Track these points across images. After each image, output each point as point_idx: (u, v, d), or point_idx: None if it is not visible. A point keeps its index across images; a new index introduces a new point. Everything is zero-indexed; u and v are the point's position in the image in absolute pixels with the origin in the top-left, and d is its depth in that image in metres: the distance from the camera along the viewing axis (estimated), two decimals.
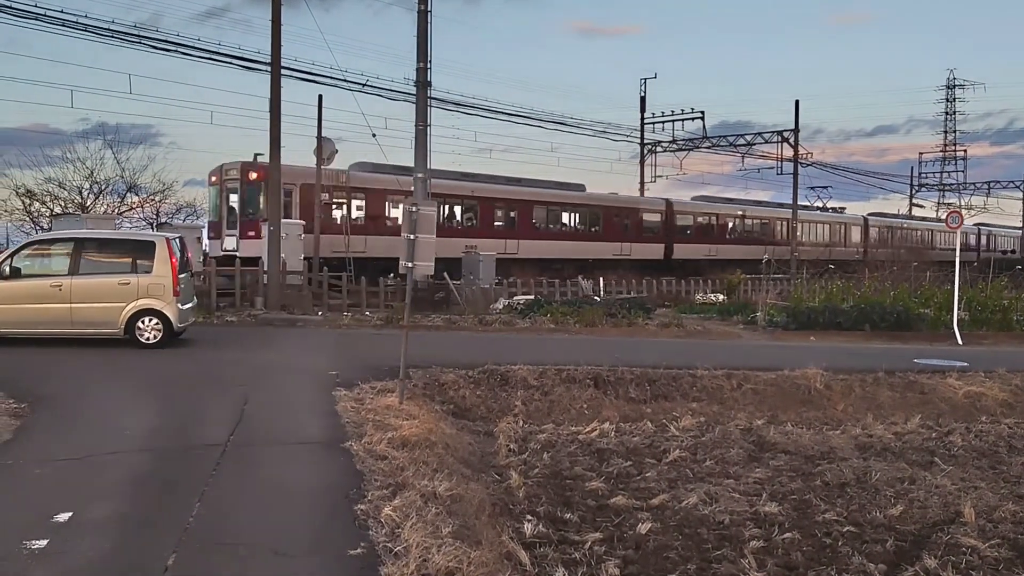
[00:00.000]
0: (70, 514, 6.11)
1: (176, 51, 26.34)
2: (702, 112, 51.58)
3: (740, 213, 48.52)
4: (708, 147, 52.66)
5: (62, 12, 24.31)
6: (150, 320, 14.63)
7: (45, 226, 32.77)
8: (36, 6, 23.92)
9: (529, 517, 7.78)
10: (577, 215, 39.55)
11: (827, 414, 13.61)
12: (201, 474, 7.30)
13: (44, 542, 5.57)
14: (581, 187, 40.71)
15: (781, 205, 51.33)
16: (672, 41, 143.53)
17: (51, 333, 14.42)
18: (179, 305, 14.83)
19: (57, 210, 33.43)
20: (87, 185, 35.44)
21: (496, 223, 35.48)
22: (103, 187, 35.70)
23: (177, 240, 15.66)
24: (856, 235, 56.77)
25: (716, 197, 50.31)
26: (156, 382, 11.68)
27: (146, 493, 6.82)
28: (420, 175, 26.30)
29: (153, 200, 35.78)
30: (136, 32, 26.03)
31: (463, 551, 5.66)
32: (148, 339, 14.60)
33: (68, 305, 14.33)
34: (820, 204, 56.69)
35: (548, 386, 13.30)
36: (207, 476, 7.26)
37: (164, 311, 14.63)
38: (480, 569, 5.53)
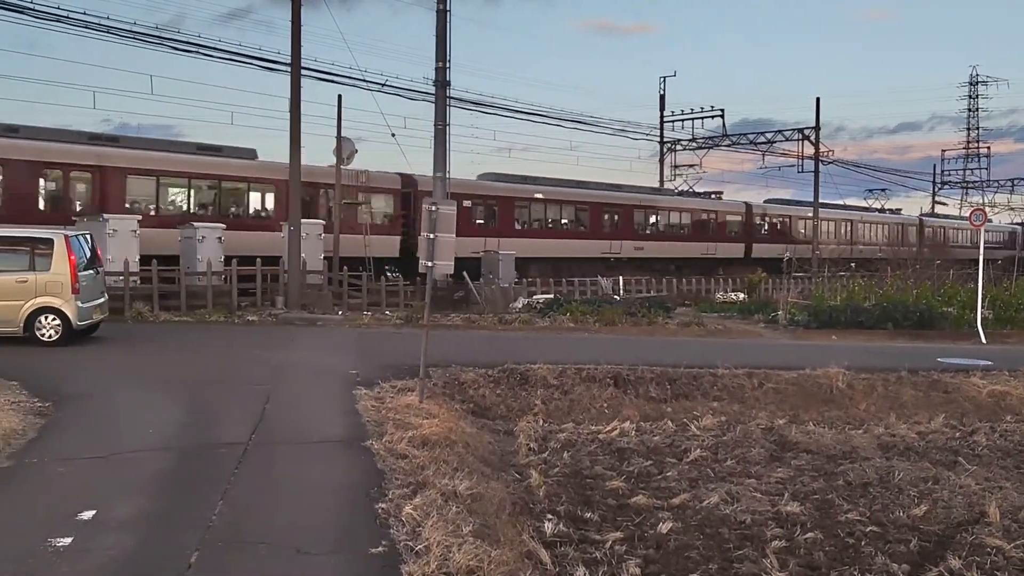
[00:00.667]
0: (94, 512, 6.15)
1: (197, 52, 26.50)
2: (722, 110, 51.42)
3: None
4: (728, 145, 52.42)
5: (84, 14, 24.51)
6: (48, 318, 14.41)
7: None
8: (59, 8, 24.14)
9: (549, 516, 7.77)
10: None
11: (849, 413, 13.51)
12: (223, 472, 7.34)
13: (69, 540, 5.61)
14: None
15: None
16: (691, 39, 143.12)
17: None
18: (79, 303, 14.58)
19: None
20: None
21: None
22: None
23: (81, 237, 15.48)
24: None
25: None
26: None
27: (169, 491, 6.87)
28: (440, 175, 26.36)
29: None
30: (157, 33, 26.21)
31: (484, 550, 5.67)
32: (47, 337, 14.38)
33: None
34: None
35: (568, 385, 13.28)
36: (229, 474, 7.30)
37: (63, 309, 14.39)
38: (501, 568, 5.53)
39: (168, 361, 13.49)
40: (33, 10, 23.68)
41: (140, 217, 22.75)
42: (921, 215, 63.77)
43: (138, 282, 20.97)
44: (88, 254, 15.56)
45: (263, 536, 5.86)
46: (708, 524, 7.84)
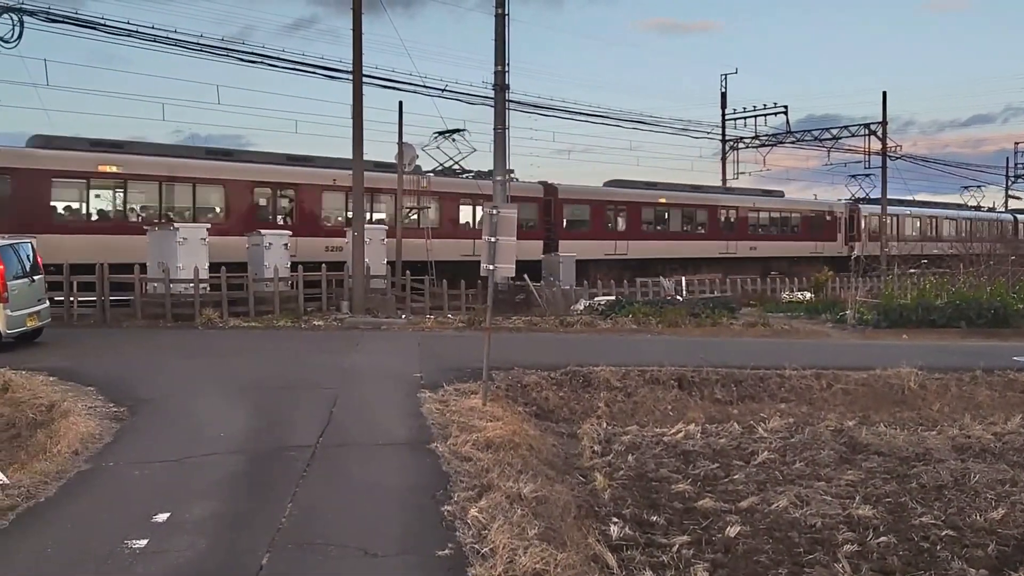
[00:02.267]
0: (168, 514, 6.31)
1: (262, 62, 26.98)
2: (785, 106, 50.50)
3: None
4: (792, 142, 51.48)
5: (153, 28, 25.13)
6: None
7: None
8: (128, 23, 24.80)
9: (615, 519, 7.74)
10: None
11: (922, 414, 13.19)
12: (292, 475, 7.47)
13: (144, 541, 5.76)
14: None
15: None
16: (755, 35, 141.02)
17: None
18: (9, 311, 14.66)
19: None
20: None
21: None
22: None
23: (15, 247, 15.59)
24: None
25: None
26: None
27: (240, 493, 7.01)
28: (499, 178, 26.42)
29: None
30: (223, 45, 26.75)
31: (549, 553, 5.66)
32: None
33: None
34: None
35: (631, 387, 13.21)
36: (298, 477, 7.42)
37: None
38: (567, 571, 5.53)
39: (237, 366, 13.75)
40: (105, 26, 24.40)
41: (208, 225, 23.25)
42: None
43: (207, 289, 21.41)
44: (26, 263, 15.68)
45: (332, 538, 5.94)
46: (777, 528, 7.73)
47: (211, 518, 6.32)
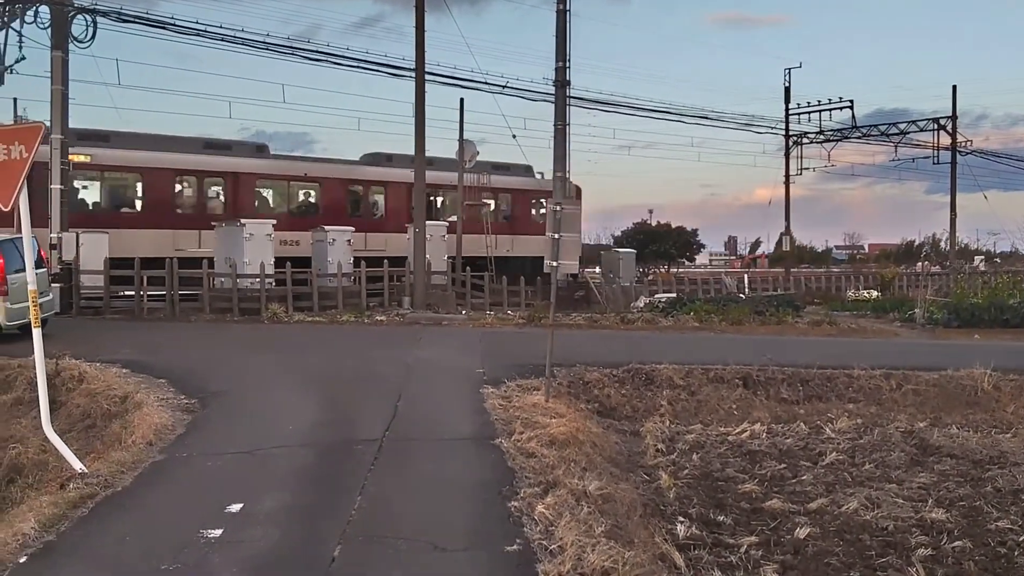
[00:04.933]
0: (241, 505, 6.42)
1: (326, 60, 27.32)
2: (851, 101, 49.34)
3: None
4: (858, 137, 50.31)
5: (220, 27, 25.58)
6: None
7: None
8: (197, 22, 25.28)
9: (681, 519, 7.68)
10: None
11: (996, 416, 12.84)
12: (360, 468, 7.54)
13: (219, 531, 5.87)
14: None
15: None
16: (822, 28, 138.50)
17: None
18: (9, 304, 15.12)
19: None
20: None
21: None
22: None
23: (17, 242, 15.55)
24: None
25: None
26: None
27: (310, 486, 7.11)
28: (560, 174, 26.39)
29: None
30: (290, 44, 27.12)
31: (617, 551, 5.63)
32: None
33: None
34: None
35: (695, 386, 13.08)
36: (366, 470, 7.50)
37: None
38: (635, 570, 5.49)
39: (303, 360, 13.94)
40: (175, 26, 24.92)
41: (275, 221, 23.63)
42: None
43: (272, 284, 21.76)
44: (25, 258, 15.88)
45: (401, 531, 5.99)
46: (848, 530, 7.59)
47: (283, 509, 6.42)
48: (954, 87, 46.88)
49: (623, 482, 8.40)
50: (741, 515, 8.01)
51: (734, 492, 8.68)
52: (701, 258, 68.69)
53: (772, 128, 49.85)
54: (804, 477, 9.27)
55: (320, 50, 27.70)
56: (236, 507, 6.37)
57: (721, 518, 7.86)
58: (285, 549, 5.63)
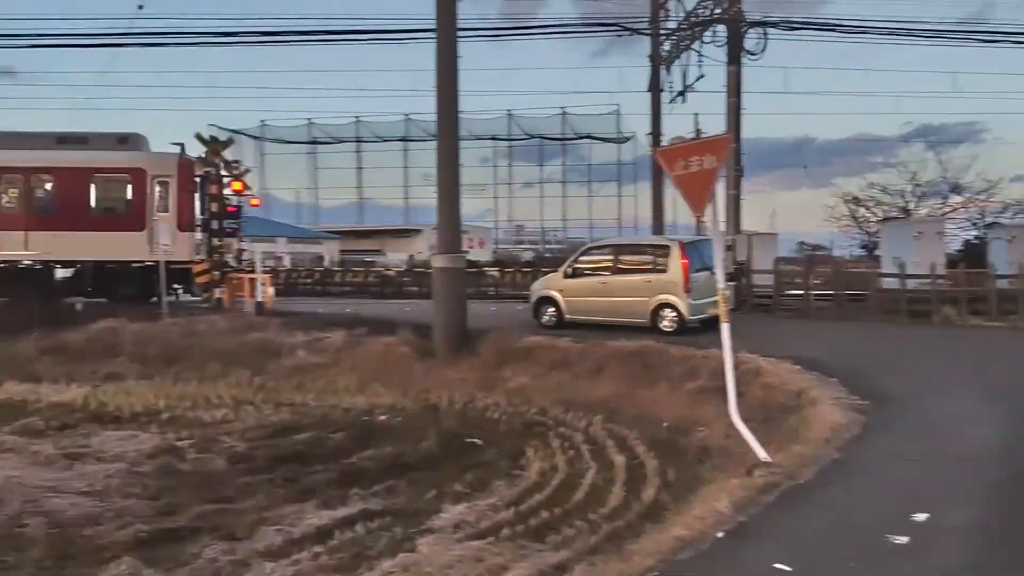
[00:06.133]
0: (927, 515, 6.16)
1: (1003, 42, 24.85)
2: None
3: None
4: None
5: (887, 23, 24.97)
6: (667, 312, 16.73)
7: (871, 231, 34.22)
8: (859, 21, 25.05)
9: None
10: None
11: None
12: None
13: (905, 539, 5.72)
14: None
15: None
16: None
17: (600, 321, 17.10)
18: (691, 300, 16.56)
19: (880, 215, 34.54)
20: (909, 188, 35.87)
21: None
22: (925, 189, 35.88)
23: (695, 244, 17.43)
24: None
25: None
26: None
27: (1002, 506, 6.53)
28: None
29: (977, 200, 34.69)
30: (961, 28, 25.34)
31: None
32: (666, 327, 16.65)
33: (610, 298, 17.24)
34: None
35: None
36: None
37: (677, 304, 16.69)
38: None
39: (979, 368, 12.84)
40: (840, 27, 25.12)
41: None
42: None
43: (944, 285, 20.47)
44: (704, 258, 16.75)
45: None
46: None
47: (972, 527, 6.00)
48: None
49: None
50: None
51: None
52: None
53: None
54: None
55: (997, 31, 25.34)
56: (921, 517, 6.13)
57: None
58: (979, 570, 5.26)
